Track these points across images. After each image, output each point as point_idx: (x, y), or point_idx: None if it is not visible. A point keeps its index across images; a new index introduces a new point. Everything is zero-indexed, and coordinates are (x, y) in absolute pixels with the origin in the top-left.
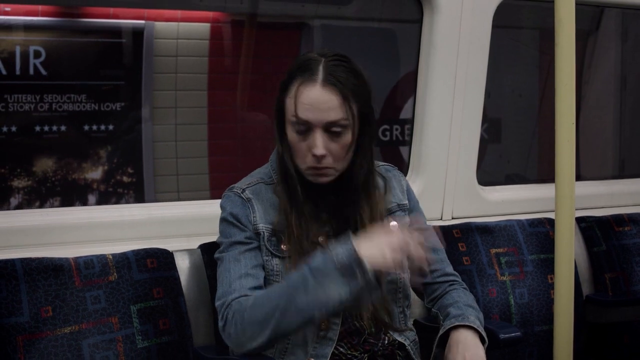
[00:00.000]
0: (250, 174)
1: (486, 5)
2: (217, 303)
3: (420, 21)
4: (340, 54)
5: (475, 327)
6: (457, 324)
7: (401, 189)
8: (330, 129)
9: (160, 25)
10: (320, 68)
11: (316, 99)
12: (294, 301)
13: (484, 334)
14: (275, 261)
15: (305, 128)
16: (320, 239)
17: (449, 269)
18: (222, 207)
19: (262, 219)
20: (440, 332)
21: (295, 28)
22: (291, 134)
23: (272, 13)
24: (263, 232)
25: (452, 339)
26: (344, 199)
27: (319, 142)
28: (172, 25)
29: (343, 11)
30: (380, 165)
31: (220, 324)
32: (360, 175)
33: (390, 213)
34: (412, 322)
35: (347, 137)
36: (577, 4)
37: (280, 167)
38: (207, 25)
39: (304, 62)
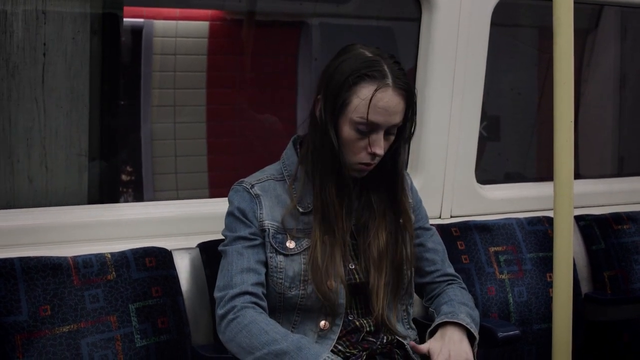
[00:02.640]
0: (262, 170)
1: (485, 4)
2: (218, 294)
3: (418, 19)
4: (390, 54)
5: (465, 324)
6: (445, 320)
7: (407, 187)
8: (389, 131)
9: (159, 23)
10: (387, 71)
11: (389, 104)
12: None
13: (472, 330)
14: (280, 258)
15: (370, 129)
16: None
17: (450, 269)
18: (229, 200)
19: (268, 215)
20: (430, 328)
21: (293, 26)
22: (349, 132)
23: (270, 11)
24: (268, 228)
25: (438, 335)
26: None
27: (382, 143)
28: (171, 23)
29: (342, 9)
30: None
31: (220, 311)
32: (397, 169)
33: (409, 230)
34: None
35: (394, 136)
36: (575, 2)
37: (328, 152)
38: (206, 23)
39: (369, 63)
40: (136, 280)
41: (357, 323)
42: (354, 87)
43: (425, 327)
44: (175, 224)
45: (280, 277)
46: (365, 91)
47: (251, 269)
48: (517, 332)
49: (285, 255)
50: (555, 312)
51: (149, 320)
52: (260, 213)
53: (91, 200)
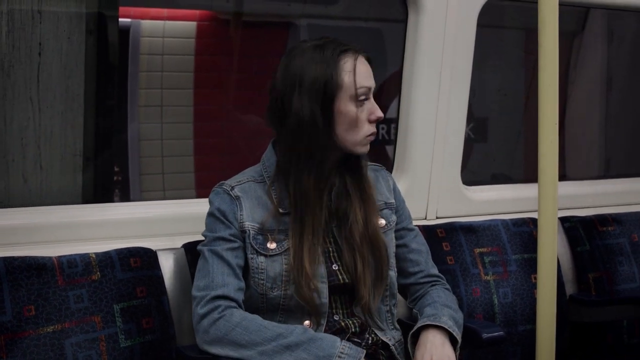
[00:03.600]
0: (242, 172)
1: (471, 5)
2: (198, 293)
3: (405, 21)
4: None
5: (447, 327)
6: (428, 323)
7: (388, 187)
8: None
9: (146, 23)
10: (346, 43)
11: (367, 66)
12: (276, 355)
13: (455, 333)
14: (260, 259)
15: (366, 97)
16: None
17: (433, 270)
18: (210, 201)
19: (249, 216)
20: (412, 331)
21: (282, 27)
22: (352, 109)
23: (258, 12)
24: (249, 230)
25: (421, 339)
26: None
27: (376, 105)
28: (159, 23)
29: (330, 10)
30: (369, 164)
31: (201, 311)
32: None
33: (379, 210)
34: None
35: None
36: (561, 4)
37: (314, 145)
38: (194, 23)
39: (331, 43)
40: (121, 280)
41: (343, 324)
42: (337, 66)
43: (410, 328)
44: (161, 224)
45: (262, 277)
46: (348, 65)
47: (232, 273)
48: (501, 333)
49: (266, 256)
50: (539, 313)
51: (133, 321)
52: (240, 214)
53: (85, 200)
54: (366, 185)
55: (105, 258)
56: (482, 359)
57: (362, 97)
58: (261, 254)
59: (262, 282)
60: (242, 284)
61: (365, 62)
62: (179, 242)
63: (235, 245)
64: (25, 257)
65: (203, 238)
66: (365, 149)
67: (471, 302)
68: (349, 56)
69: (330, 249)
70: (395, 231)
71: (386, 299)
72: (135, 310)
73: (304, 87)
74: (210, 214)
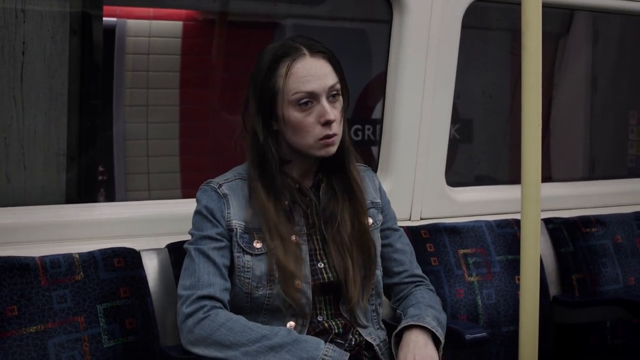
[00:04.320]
0: (231, 170)
1: (456, 6)
2: (184, 292)
3: (389, 22)
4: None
5: (430, 327)
6: (411, 323)
7: (374, 187)
8: (330, 94)
9: (132, 22)
10: (300, 45)
11: (312, 69)
12: (260, 356)
13: (438, 334)
14: (247, 258)
15: (310, 100)
16: (293, 237)
17: (417, 270)
18: (197, 199)
19: (236, 215)
20: (395, 331)
21: (267, 27)
22: (294, 115)
23: (244, 12)
24: (236, 228)
25: (404, 339)
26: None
27: (329, 108)
28: (144, 23)
29: (315, 11)
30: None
31: (187, 310)
32: (345, 145)
33: (366, 210)
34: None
35: (341, 101)
36: (545, 6)
37: (260, 158)
38: (180, 23)
39: (281, 46)
40: (104, 280)
41: (327, 325)
42: (274, 72)
43: (393, 329)
44: (145, 224)
45: (248, 276)
46: (283, 70)
47: (218, 273)
48: (484, 334)
49: (252, 255)
50: (522, 315)
51: (116, 321)
52: (227, 213)
53: (69, 200)
54: (354, 185)
55: (89, 258)
56: (465, 359)
57: (302, 102)
58: (247, 253)
59: (247, 280)
60: (228, 284)
61: (314, 63)
62: (162, 243)
63: (222, 244)
64: (8, 257)
65: (187, 238)
66: (323, 151)
67: (455, 303)
68: (285, 60)
69: (317, 247)
70: (381, 231)
71: (372, 298)
72: (119, 311)
73: (252, 92)
74: (197, 212)
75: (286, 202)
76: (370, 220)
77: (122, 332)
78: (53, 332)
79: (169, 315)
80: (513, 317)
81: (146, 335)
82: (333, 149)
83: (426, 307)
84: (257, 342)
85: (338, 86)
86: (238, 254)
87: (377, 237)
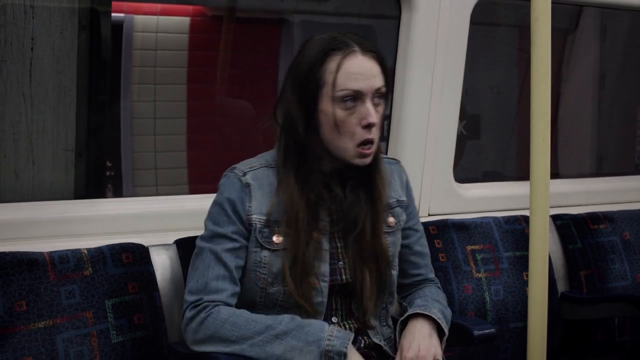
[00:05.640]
0: (258, 155)
1: (464, 3)
2: (191, 297)
3: (398, 18)
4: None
5: (436, 318)
6: (417, 311)
7: (401, 184)
8: (375, 98)
9: (139, 18)
10: (350, 40)
11: (362, 68)
12: (267, 345)
13: (443, 324)
14: (265, 253)
15: (354, 99)
16: (316, 233)
17: (431, 275)
18: (220, 188)
19: (257, 208)
20: (402, 318)
21: (274, 23)
22: (337, 111)
23: (251, 8)
24: (255, 223)
25: (408, 328)
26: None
27: (373, 111)
28: (152, 18)
29: (323, 7)
30: (384, 158)
31: (189, 314)
32: (377, 153)
33: (389, 208)
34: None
35: (383, 106)
36: (553, 2)
37: (298, 149)
38: (187, 19)
39: (331, 40)
40: (112, 276)
41: (341, 326)
42: (322, 65)
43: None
44: (153, 220)
45: (264, 272)
46: (333, 64)
47: (229, 277)
48: (492, 330)
49: (271, 251)
50: (530, 311)
51: (125, 316)
52: (249, 206)
53: (77, 196)
54: (378, 195)
55: (97, 254)
56: (473, 356)
57: (348, 99)
58: (265, 248)
59: (263, 276)
60: (237, 288)
61: (365, 61)
62: (171, 238)
63: (237, 245)
64: (17, 252)
65: (195, 234)
66: (358, 161)
67: (463, 299)
68: (336, 55)
69: (339, 245)
70: (402, 230)
71: (384, 297)
72: (127, 306)
73: (295, 80)
74: (217, 203)
75: (312, 197)
76: (393, 220)
77: (130, 328)
78: (62, 327)
79: (176, 311)
80: (521, 314)
81: (154, 330)
82: (368, 160)
83: (433, 300)
84: (262, 333)
85: (384, 90)
86: (255, 249)
87: (398, 237)
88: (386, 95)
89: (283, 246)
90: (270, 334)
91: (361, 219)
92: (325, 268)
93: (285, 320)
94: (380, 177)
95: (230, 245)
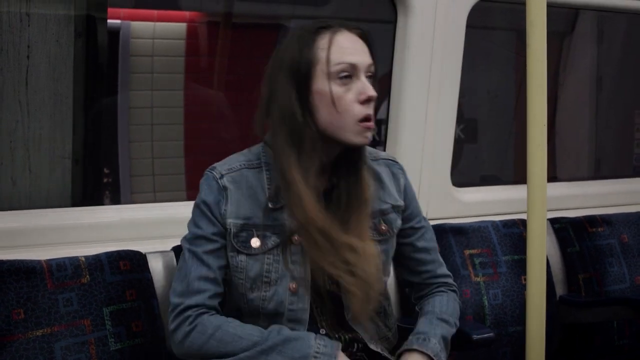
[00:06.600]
0: (239, 153)
1: (460, 7)
2: (175, 300)
3: (394, 22)
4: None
5: (432, 355)
6: (414, 347)
7: (398, 187)
8: (367, 74)
9: (136, 24)
10: (335, 22)
11: (353, 43)
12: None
13: (441, 356)
14: (241, 257)
15: (350, 74)
16: (295, 237)
17: (441, 269)
18: (199, 188)
19: (232, 213)
20: (399, 351)
21: (271, 29)
22: (335, 88)
23: (248, 13)
24: (231, 228)
25: None
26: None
27: (368, 84)
28: (149, 24)
29: (320, 12)
30: (383, 158)
31: (173, 325)
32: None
33: (382, 215)
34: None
35: (373, 86)
36: (549, 5)
37: (298, 137)
38: (184, 25)
39: (317, 22)
40: (110, 283)
41: (329, 336)
42: (313, 44)
43: (406, 332)
44: (151, 227)
45: (241, 277)
46: (324, 41)
47: (210, 278)
48: (491, 334)
49: (248, 255)
50: (529, 315)
51: (123, 324)
52: (224, 209)
53: (75, 203)
54: (361, 191)
55: (95, 261)
56: None
57: (344, 74)
58: (242, 253)
59: (241, 281)
60: (220, 289)
61: (354, 38)
62: (168, 245)
63: (217, 245)
64: (14, 260)
65: None
66: (361, 138)
67: (461, 303)
68: (326, 32)
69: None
70: (402, 230)
71: (374, 304)
72: (125, 314)
73: (283, 68)
74: (196, 205)
75: (320, 190)
76: (386, 228)
77: (128, 335)
78: (59, 335)
79: None
80: (519, 317)
81: (152, 337)
82: (369, 138)
83: (438, 320)
84: (248, 349)
85: (373, 69)
86: (232, 254)
87: (390, 244)
88: (375, 78)
89: (262, 250)
90: (256, 351)
91: (356, 217)
92: (308, 273)
93: (273, 334)
94: (364, 172)
95: (210, 246)
